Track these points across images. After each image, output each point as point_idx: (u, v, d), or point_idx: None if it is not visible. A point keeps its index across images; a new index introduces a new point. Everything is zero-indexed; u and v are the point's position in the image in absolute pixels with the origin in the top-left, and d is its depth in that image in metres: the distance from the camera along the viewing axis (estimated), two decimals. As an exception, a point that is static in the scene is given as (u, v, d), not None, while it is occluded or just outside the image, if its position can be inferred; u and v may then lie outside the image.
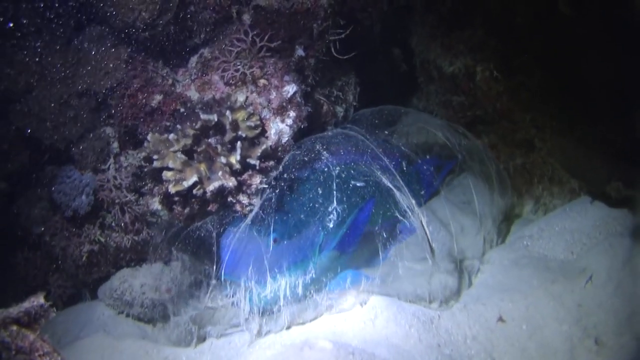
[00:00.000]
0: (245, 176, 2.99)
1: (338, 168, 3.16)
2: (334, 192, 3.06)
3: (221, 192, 2.94)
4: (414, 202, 3.04)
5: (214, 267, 2.96)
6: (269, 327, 2.89)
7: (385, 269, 3.07)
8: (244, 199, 2.98)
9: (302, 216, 3.08)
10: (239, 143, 2.92)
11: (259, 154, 2.98)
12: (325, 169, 3.16)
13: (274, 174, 3.06)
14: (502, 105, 3.75)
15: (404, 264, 3.05)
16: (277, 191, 3.05)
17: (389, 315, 2.82)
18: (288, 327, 2.90)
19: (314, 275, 2.98)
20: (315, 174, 3.19)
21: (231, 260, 2.96)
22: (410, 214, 3.02)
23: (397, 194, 3.04)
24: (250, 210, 2.99)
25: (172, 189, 2.90)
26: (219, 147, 2.94)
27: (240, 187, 2.98)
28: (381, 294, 2.96)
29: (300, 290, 2.94)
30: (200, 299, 3.09)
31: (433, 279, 2.99)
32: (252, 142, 3.01)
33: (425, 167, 3.61)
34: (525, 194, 3.74)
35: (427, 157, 3.68)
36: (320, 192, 3.11)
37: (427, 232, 2.99)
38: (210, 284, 3.01)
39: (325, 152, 3.20)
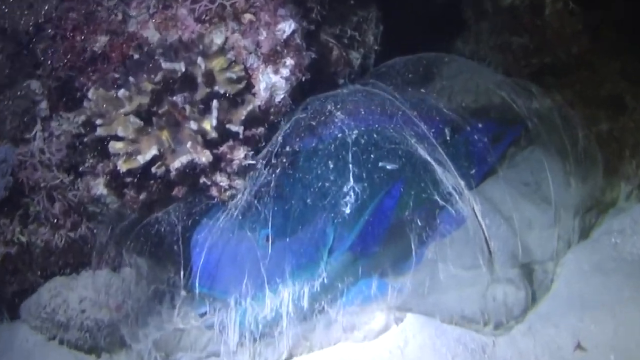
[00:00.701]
0: (224, 148, 2.92)
1: (356, 132, 3.08)
2: (350, 166, 2.97)
3: (191, 170, 2.87)
4: (462, 182, 2.95)
5: (183, 274, 2.91)
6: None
7: (420, 275, 3.00)
8: (222, 179, 2.91)
9: (308, 201, 3.04)
10: (215, 102, 2.85)
11: (243, 118, 2.91)
12: (339, 134, 3.10)
13: (272, 147, 3.00)
14: (581, 49, 3.70)
15: (447, 268, 2.97)
16: (277, 171, 2.99)
17: (424, 341, 2.80)
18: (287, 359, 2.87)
19: (325, 281, 2.93)
20: (325, 143, 3.13)
21: (208, 265, 2.92)
22: (457, 198, 2.92)
23: (439, 170, 2.94)
24: (231, 196, 2.94)
25: (123, 166, 2.83)
26: (187, 107, 2.86)
27: (217, 164, 2.91)
28: (414, 312, 2.90)
29: (305, 304, 2.90)
30: (164, 318, 3.05)
31: (489, 291, 2.94)
32: (234, 101, 2.94)
33: (477, 137, 3.48)
34: (614, 172, 3.66)
35: (480, 123, 3.54)
36: (331, 166, 3.03)
37: (483, 225, 2.90)
38: (178, 298, 2.97)
39: (339, 113, 3.12)
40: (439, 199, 3.02)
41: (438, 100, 3.51)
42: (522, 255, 3.11)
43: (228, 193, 2.95)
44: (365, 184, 3.05)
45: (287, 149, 3.06)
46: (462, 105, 3.66)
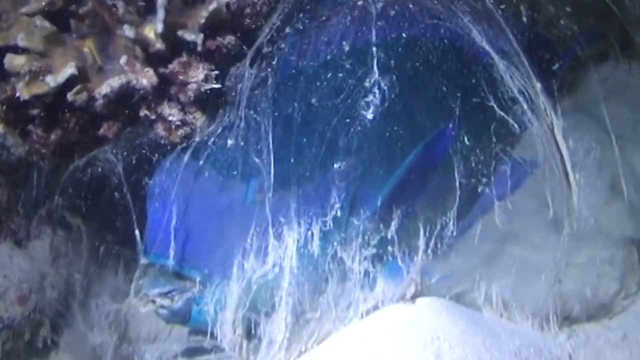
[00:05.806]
0: (175, 66, 2.32)
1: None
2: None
3: (126, 97, 2.30)
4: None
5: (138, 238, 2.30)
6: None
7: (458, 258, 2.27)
8: (172, 112, 2.32)
9: (313, 136, 2.30)
10: (162, -3, 2.27)
11: (202, 22, 2.30)
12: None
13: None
14: None
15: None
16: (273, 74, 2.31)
17: (468, 349, 2.06)
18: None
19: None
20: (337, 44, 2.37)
21: (172, 223, 2.28)
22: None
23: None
24: (186, 136, 2.35)
25: (25, 92, 2.29)
26: (120, 5, 2.27)
27: (164, 89, 2.32)
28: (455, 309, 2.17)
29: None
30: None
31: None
32: (190, -7, 2.34)
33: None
34: None
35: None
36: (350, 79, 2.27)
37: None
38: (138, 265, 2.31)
39: None
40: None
41: None
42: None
43: (180, 132, 2.35)
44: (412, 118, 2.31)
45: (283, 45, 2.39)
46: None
